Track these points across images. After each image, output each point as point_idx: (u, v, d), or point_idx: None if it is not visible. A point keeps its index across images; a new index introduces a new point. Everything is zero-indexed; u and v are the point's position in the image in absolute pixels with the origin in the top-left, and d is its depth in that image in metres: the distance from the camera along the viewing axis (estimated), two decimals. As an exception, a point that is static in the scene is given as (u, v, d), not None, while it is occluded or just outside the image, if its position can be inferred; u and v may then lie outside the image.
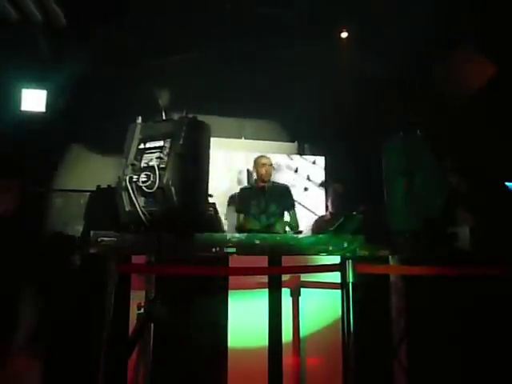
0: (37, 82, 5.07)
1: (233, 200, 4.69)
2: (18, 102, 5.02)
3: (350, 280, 2.36)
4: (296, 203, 5.15)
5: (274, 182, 4.35)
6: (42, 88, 5.10)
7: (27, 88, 5.08)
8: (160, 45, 4.80)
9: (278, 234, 4.05)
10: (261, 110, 5.29)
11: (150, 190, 2.48)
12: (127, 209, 2.55)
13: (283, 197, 4.35)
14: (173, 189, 2.48)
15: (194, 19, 4.48)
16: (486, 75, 3.94)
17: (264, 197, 4.24)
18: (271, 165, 4.33)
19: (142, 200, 2.52)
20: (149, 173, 2.49)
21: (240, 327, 2.83)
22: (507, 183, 3.50)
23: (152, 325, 2.69)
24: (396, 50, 4.34)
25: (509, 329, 2.54)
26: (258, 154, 4.48)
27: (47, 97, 5.10)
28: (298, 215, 4.43)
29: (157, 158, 2.53)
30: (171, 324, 2.69)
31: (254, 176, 4.37)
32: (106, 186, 3.88)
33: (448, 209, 3.22)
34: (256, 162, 4.34)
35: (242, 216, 4.27)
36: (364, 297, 2.70)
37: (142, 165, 2.55)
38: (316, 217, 5.17)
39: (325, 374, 2.93)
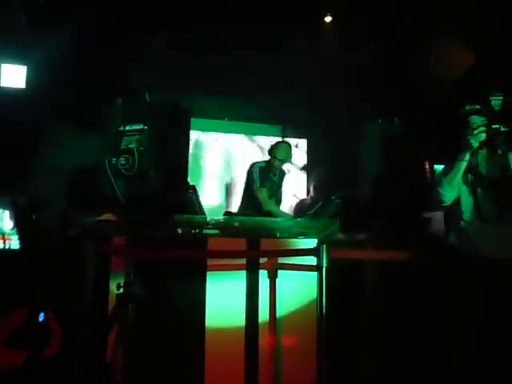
0: (17, 57, 4.97)
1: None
2: (-3, 78, 4.92)
3: (324, 264, 2.42)
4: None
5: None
6: (22, 64, 4.99)
7: (7, 63, 4.97)
8: (144, 23, 4.73)
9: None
10: (245, 92, 5.28)
11: (128, 173, 2.49)
12: (106, 191, 2.57)
13: (283, 183, 4.37)
14: (151, 172, 2.50)
15: (182, 3, 4.42)
16: (465, 63, 3.99)
17: (277, 180, 4.24)
18: (290, 153, 4.26)
19: (121, 182, 2.54)
20: (128, 155, 2.50)
21: (218, 308, 2.89)
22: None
23: (131, 305, 2.72)
24: (378, 37, 4.37)
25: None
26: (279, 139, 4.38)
27: (27, 73, 5.01)
28: None
29: (136, 140, 2.54)
30: (150, 304, 2.73)
31: (268, 157, 4.25)
32: (86, 166, 3.87)
33: (423, 194, 3.32)
34: (277, 144, 4.28)
35: (264, 192, 4.11)
36: (339, 280, 2.79)
37: (122, 147, 2.56)
38: (297, 200, 5.24)
39: (299, 353, 3.02)
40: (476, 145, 2.54)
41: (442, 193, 2.63)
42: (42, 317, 1.10)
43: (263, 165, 4.19)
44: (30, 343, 1.05)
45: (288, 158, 4.22)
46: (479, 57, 3.85)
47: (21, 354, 1.02)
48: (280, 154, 4.14)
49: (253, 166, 4.24)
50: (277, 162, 4.13)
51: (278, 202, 4.29)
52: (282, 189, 4.35)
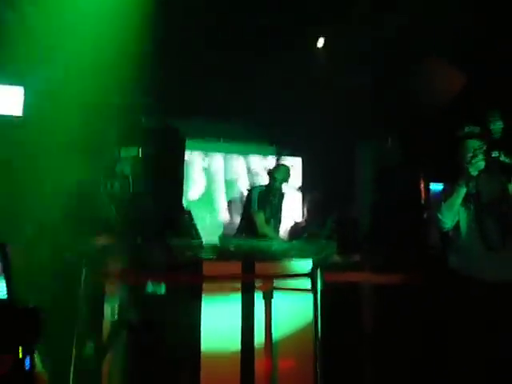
0: (14, 81, 5.01)
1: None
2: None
3: (319, 287, 2.43)
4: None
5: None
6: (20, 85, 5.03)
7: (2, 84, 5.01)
8: (141, 48, 4.79)
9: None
10: (239, 113, 5.32)
11: (123, 197, 2.51)
12: (102, 215, 2.58)
13: (282, 205, 4.40)
14: (147, 196, 2.52)
15: (176, 25, 4.48)
16: (457, 85, 4.05)
17: (276, 202, 4.26)
18: (289, 174, 4.33)
19: (116, 207, 2.55)
20: (123, 180, 2.52)
21: (213, 330, 2.88)
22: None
23: (126, 330, 2.71)
24: (374, 57, 4.43)
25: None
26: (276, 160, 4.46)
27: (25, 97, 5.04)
28: None
29: (131, 165, 2.57)
30: (145, 328, 2.72)
31: (267, 178, 4.31)
32: (82, 191, 3.88)
33: (418, 217, 3.34)
34: (277, 166, 4.36)
35: (262, 215, 4.11)
36: (335, 301, 2.79)
37: (117, 172, 2.58)
38: (292, 222, 5.24)
39: (296, 375, 2.99)
40: (475, 173, 2.53)
41: (442, 219, 2.62)
42: (27, 363, 1.10)
43: (263, 189, 4.25)
44: None
45: (287, 179, 4.28)
46: (476, 77, 3.91)
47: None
48: (279, 174, 4.21)
49: (252, 189, 4.32)
50: (277, 184, 4.20)
51: (278, 223, 4.31)
52: (282, 211, 4.38)
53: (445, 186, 2.77)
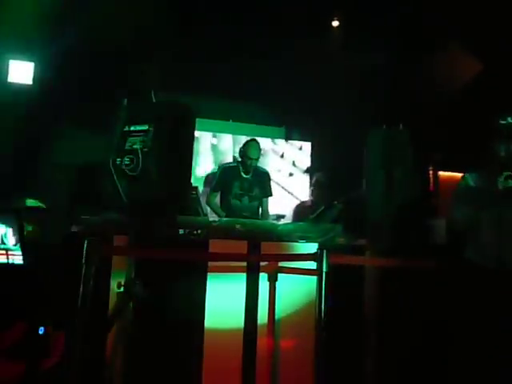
0: (24, 54, 5.01)
1: (210, 179, 4.66)
2: (5, 74, 4.95)
3: (324, 269, 2.44)
4: (280, 188, 5.24)
5: (257, 166, 4.38)
6: (30, 60, 5.03)
7: (14, 60, 5.01)
8: (152, 23, 4.76)
9: (257, 218, 4.11)
10: (250, 94, 5.30)
11: (132, 174, 2.50)
12: (110, 191, 2.58)
13: (265, 183, 4.42)
14: (155, 173, 2.51)
15: (187, 4, 4.45)
16: (471, 72, 3.99)
17: (249, 178, 4.29)
18: (260, 149, 4.37)
19: (124, 182, 2.55)
20: (132, 156, 2.51)
21: (217, 309, 2.91)
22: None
23: (131, 304, 2.74)
24: (386, 42, 4.38)
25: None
26: (248, 138, 4.56)
27: (35, 69, 5.04)
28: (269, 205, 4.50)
29: (141, 141, 2.55)
30: (150, 304, 2.75)
31: (239, 158, 4.39)
32: (91, 165, 3.89)
33: (424, 202, 3.32)
34: (247, 143, 4.36)
35: (216, 194, 4.32)
36: (339, 284, 2.80)
37: (126, 148, 2.57)
38: (298, 202, 5.25)
39: (297, 356, 3.03)
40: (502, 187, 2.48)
41: (460, 221, 2.59)
42: (41, 330, 1.12)
43: (233, 164, 4.40)
44: (30, 355, 1.06)
45: (258, 156, 4.30)
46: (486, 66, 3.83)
47: (21, 365, 1.04)
48: (250, 152, 4.24)
49: (218, 168, 4.49)
50: (249, 161, 4.23)
51: (253, 199, 4.32)
52: (262, 188, 4.40)
53: (466, 188, 2.72)
